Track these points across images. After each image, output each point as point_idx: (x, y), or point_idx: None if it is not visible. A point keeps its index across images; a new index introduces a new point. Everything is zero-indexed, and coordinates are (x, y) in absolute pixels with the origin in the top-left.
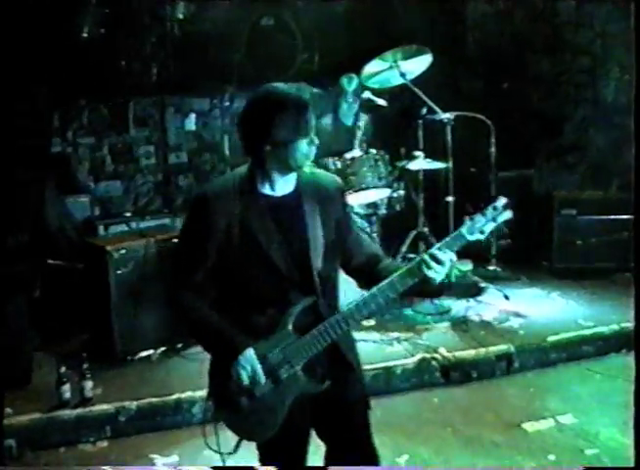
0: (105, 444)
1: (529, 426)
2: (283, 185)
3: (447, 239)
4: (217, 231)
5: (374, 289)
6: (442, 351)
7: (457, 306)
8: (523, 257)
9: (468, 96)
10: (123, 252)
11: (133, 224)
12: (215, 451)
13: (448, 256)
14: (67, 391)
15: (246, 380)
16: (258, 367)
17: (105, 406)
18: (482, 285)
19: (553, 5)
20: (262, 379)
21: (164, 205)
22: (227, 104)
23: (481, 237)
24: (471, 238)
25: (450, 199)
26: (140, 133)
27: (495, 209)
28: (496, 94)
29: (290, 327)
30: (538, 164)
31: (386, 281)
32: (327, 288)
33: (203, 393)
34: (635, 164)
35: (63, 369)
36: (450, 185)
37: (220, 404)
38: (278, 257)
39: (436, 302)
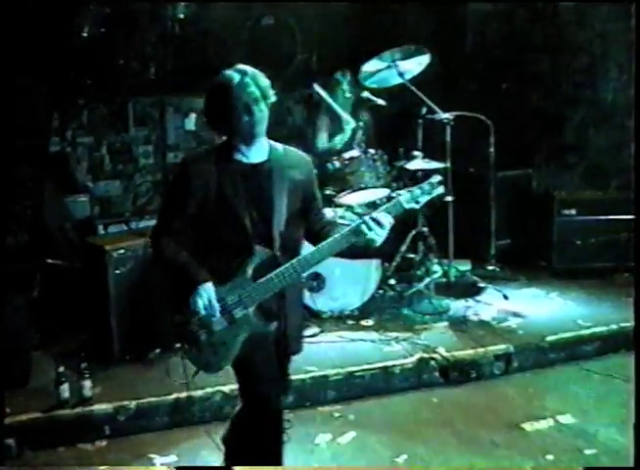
0: (104, 443)
1: (528, 426)
2: (254, 154)
3: (387, 205)
4: (194, 188)
5: (322, 243)
6: (441, 350)
7: (456, 306)
8: (522, 257)
9: (467, 96)
10: (122, 251)
11: (132, 224)
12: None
13: (388, 219)
14: (65, 390)
15: (201, 309)
16: (214, 298)
17: (104, 406)
18: (481, 285)
19: (553, 5)
20: (217, 311)
21: None
22: None
23: (416, 206)
24: (407, 206)
25: (449, 198)
26: (139, 133)
27: (431, 184)
28: (495, 94)
29: (248, 274)
30: (537, 164)
31: (332, 237)
32: (287, 246)
33: (201, 393)
34: (635, 163)
35: (61, 369)
36: (449, 185)
37: (181, 337)
38: (244, 214)
39: (435, 301)
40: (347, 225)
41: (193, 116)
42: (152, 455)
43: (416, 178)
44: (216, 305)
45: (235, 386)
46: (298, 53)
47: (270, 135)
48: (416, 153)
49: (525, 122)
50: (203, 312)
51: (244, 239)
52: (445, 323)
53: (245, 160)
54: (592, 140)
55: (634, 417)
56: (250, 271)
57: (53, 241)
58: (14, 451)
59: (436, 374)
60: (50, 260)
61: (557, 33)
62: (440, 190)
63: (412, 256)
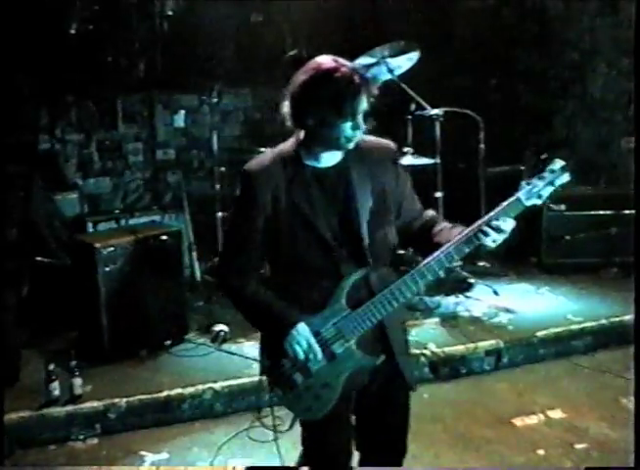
0: (95, 441)
1: (519, 421)
2: (329, 158)
3: (504, 205)
4: (264, 204)
5: (429, 259)
6: (431, 346)
7: (446, 302)
8: (511, 252)
9: (456, 92)
10: (112, 249)
11: (122, 221)
12: (271, 430)
13: (508, 224)
14: (56, 388)
15: (301, 355)
16: (313, 341)
17: (94, 404)
18: (472, 281)
19: (541, 0)
20: (319, 354)
21: (153, 201)
22: (215, 100)
23: (539, 202)
24: (528, 203)
25: (439, 194)
26: (128, 130)
27: (553, 171)
28: (485, 89)
29: (343, 301)
30: (527, 160)
31: (442, 251)
32: (379, 258)
33: (192, 390)
34: (635, 160)
35: (52, 367)
36: (439, 181)
37: (275, 382)
38: (324, 227)
39: (425, 298)
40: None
41: (182, 112)
42: (143, 453)
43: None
44: (317, 347)
45: (225, 382)
46: (288, 49)
47: (260, 133)
48: (406, 149)
49: (515, 118)
50: (302, 358)
51: (328, 257)
52: (436, 319)
53: (317, 164)
54: (581, 136)
55: (634, 417)
56: (344, 296)
57: (42, 239)
58: (4, 449)
59: (427, 370)
60: (39, 258)
61: (545, 29)
62: (566, 177)
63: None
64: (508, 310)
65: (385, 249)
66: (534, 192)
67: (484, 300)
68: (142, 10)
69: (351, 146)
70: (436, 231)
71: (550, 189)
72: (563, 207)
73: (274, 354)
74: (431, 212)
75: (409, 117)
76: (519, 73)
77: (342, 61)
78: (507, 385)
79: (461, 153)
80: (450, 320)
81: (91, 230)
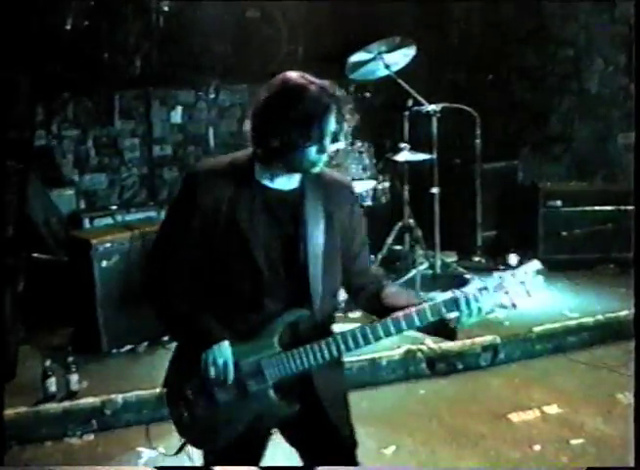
0: (91, 437)
1: (515, 416)
2: (284, 181)
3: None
4: (205, 211)
5: (377, 323)
6: (428, 342)
7: (442, 298)
8: (508, 248)
9: (453, 88)
10: (108, 245)
11: (118, 217)
12: (155, 450)
13: (487, 303)
14: (52, 384)
15: (212, 373)
16: (231, 364)
17: (91, 400)
18: (467, 276)
19: None
20: (230, 379)
21: (150, 197)
22: (212, 96)
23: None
24: (492, 298)
25: (435, 190)
26: (125, 126)
27: (526, 273)
28: (481, 86)
29: (275, 338)
30: (523, 156)
31: (391, 318)
32: (323, 302)
33: None
34: (635, 156)
35: (48, 363)
36: (435, 177)
37: (175, 401)
38: (261, 255)
39: (422, 293)
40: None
41: (179, 109)
42: (139, 449)
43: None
44: (231, 371)
45: None
46: (284, 45)
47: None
48: (402, 145)
49: (511, 114)
50: (212, 376)
51: (257, 288)
52: None
53: (271, 185)
54: (577, 132)
55: (634, 417)
56: (277, 333)
57: (38, 235)
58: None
59: (423, 366)
60: (35, 254)
61: (542, 25)
62: (539, 282)
63: (398, 247)
64: (504, 306)
65: (329, 293)
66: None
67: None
68: (138, 5)
69: (315, 170)
70: (389, 293)
71: (522, 290)
72: (559, 203)
73: (183, 371)
74: (377, 269)
75: (406, 112)
76: (515, 70)
77: (310, 78)
78: (503, 380)
79: (457, 149)
80: None
81: (87, 226)
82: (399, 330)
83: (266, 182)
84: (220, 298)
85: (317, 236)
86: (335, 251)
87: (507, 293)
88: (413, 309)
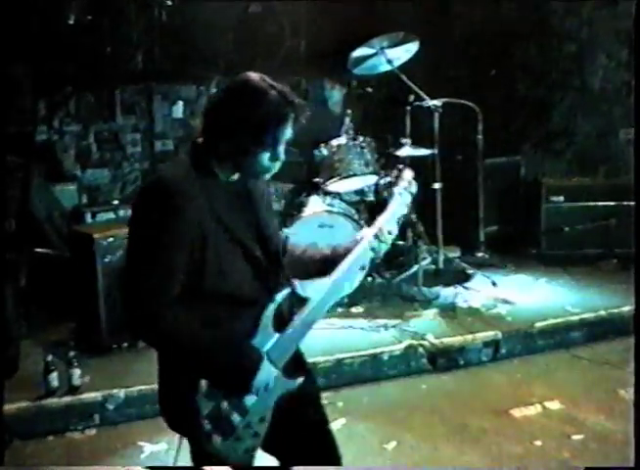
0: (93, 432)
1: (517, 412)
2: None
3: (387, 217)
4: (190, 223)
5: (335, 276)
6: (430, 337)
7: (445, 293)
8: (510, 243)
9: (455, 83)
10: (111, 240)
11: (121, 212)
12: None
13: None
14: (54, 379)
15: (263, 392)
16: (275, 373)
17: (93, 395)
18: (470, 272)
19: None
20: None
21: None
22: (214, 91)
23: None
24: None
25: (438, 186)
26: (127, 121)
27: (410, 182)
28: (483, 81)
29: (270, 325)
30: (525, 151)
31: (344, 266)
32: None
33: None
34: (635, 152)
35: (50, 358)
36: (437, 172)
37: (213, 428)
38: (251, 244)
39: (424, 288)
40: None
41: (180, 104)
42: (141, 443)
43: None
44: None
45: None
46: (287, 40)
47: None
48: (404, 140)
49: (513, 109)
50: (263, 394)
51: (261, 278)
52: (434, 310)
53: (225, 177)
54: (580, 127)
55: (634, 416)
56: (271, 319)
57: (41, 230)
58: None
59: (425, 361)
60: (38, 249)
61: (545, 20)
62: (415, 187)
63: (401, 243)
64: (506, 301)
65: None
66: (404, 202)
67: (483, 291)
68: (140, 0)
69: (267, 177)
70: (306, 248)
71: (410, 198)
72: (561, 198)
73: (208, 399)
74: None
75: (408, 107)
76: (518, 65)
77: (271, 82)
78: (505, 376)
79: (459, 144)
80: (448, 311)
81: (89, 221)
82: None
83: (224, 177)
84: (216, 303)
85: (269, 215)
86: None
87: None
88: (355, 251)
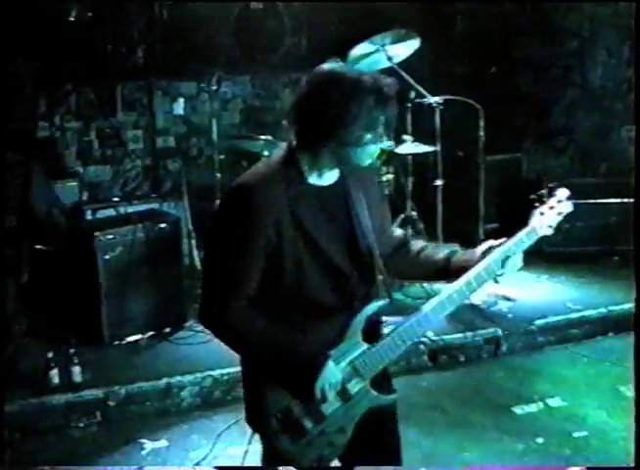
0: (94, 428)
1: (518, 409)
2: (330, 174)
3: (521, 236)
4: (267, 228)
5: (451, 290)
6: (430, 334)
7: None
8: None
9: (456, 80)
10: (111, 236)
11: (121, 209)
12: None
13: (520, 258)
14: (55, 376)
15: (330, 398)
16: (341, 381)
17: (94, 391)
18: None
19: None
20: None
21: (153, 189)
22: (215, 88)
23: (551, 232)
24: (542, 234)
25: (439, 183)
26: (128, 117)
27: (560, 201)
28: (485, 78)
29: (359, 335)
30: (526, 148)
31: (462, 281)
32: (388, 286)
33: (191, 377)
34: (636, 149)
35: (51, 354)
36: (439, 169)
37: (281, 430)
38: (337, 254)
39: (426, 285)
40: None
41: (181, 100)
42: (142, 440)
43: None
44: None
45: (225, 370)
46: (287, 37)
47: (259, 120)
48: (405, 137)
49: (515, 106)
50: (329, 399)
51: (343, 287)
52: None
53: (320, 182)
54: (581, 124)
55: (634, 416)
56: (360, 329)
57: (41, 226)
58: (4, 437)
59: (425, 358)
60: (38, 246)
61: (545, 17)
62: (570, 207)
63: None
64: (507, 298)
65: (389, 276)
66: (546, 222)
67: (484, 288)
68: None
69: (368, 163)
70: (420, 251)
71: (559, 218)
72: None
73: (277, 397)
74: (400, 231)
75: (409, 104)
76: (519, 61)
77: (353, 69)
78: (506, 373)
79: (461, 141)
80: None
81: (90, 218)
82: (468, 290)
83: (315, 181)
84: (296, 309)
85: (368, 224)
86: (377, 232)
87: (550, 227)
88: (479, 268)
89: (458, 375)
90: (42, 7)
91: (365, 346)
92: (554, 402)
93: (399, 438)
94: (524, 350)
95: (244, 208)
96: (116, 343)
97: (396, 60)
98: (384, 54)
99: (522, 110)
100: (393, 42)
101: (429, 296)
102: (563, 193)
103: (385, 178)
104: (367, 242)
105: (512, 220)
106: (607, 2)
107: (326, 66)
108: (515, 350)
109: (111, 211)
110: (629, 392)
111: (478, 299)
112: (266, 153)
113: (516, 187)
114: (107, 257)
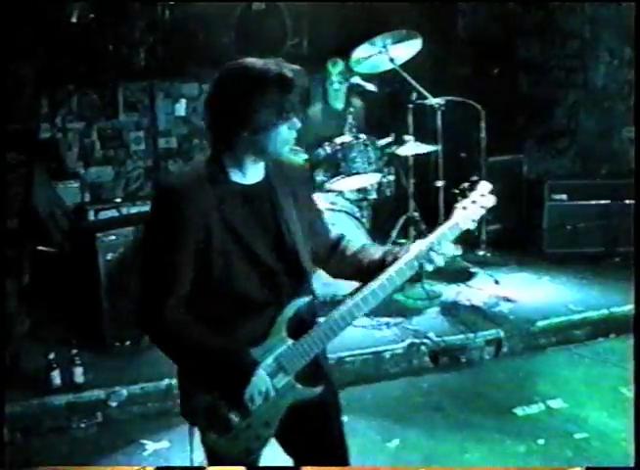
0: (96, 429)
1: (519, 410)
2: (254, 172)
3: (444, 230)
4: (195, 226)
5: (373, 285)
6: (432, 335)
7: (447, 291)
8: (512, 241)
9: (458, 81)
10: (113, 237)
11: (123, 210)
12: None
13: (449, 248)
14: (57, 377)
15: (258, 402)
16: (271, 387)
17: (95, 392)
18: (472, 270)
19: None
20: (272, 395)
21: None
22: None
23: (474, 226)
24: (464, 228)
25: (440, 184)
26: (130, 118)
27: (483, 195)
28: (486, 79)
29: (284, 331)
30: (528, 149)
31: (384, 276)
32: (311, 284)
33: None
34: (636, 151)
35: (52, 355)
36: (440, 170)
37: (208, 426)
38: (265, 252)
39: (427, 286)
40: (371, 244)
41: (183, 101)
42: (144, 441)
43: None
44: (272, 389)
45: None
46: (289, 38)
47: None
48: (407, 138)
49: (516, 107)
50: (258, 403)
51: (270, 284)
52: (436, 308)
53: (244, 180)
54: (583, 125)
55: (634, 417)
56: (284, 326)
57: (43, 227)
58: (5, 438)
59: (427, 359)
60: (41, 247)
61: (547, 18)
62: (492, 200)
63: (403, 241)
64: (509, 300)
65: (312, 274)
66: (469, 216)
67: (485, 289)
68: None
69: (287, 150)
70: (358, 252)
71: (482, 212)
72: (564, 196)
73: (205, 394)
74: (336, 231)
75: (410, 106)
76: (520, 63)
77: (258, 59)
78: (507, 374)
79: (462, 142)
80: (451, 309)
81: (92, 219)
82: (391, 287)
83: (239, 179)
84: (225, 307)
85: (295, 222)
86: (306, 230)
87: (474, 220)
88: (400, 263)
89: (459, 376)
90: (44, 8)
91: (290, 342)
92: (555, 404)
93: (341, 428)
94: (525, 351)
95: (170, 209)
96: (118, 344)
97: (398, 61)
98: (386, 55)
99: (523, 111)
100: (395, 43)
101: (429, 297)
102: (485, 187)
103: (386, 179)
104: (293, 239)
105: (514, 221)
106: (608, 3)
107: (228, 63)
108: (516, 351)
109: (113, 212)
110: (631, 393)
111: (479, 300)
112: None
113: (518, 188)
114: (109, 257)
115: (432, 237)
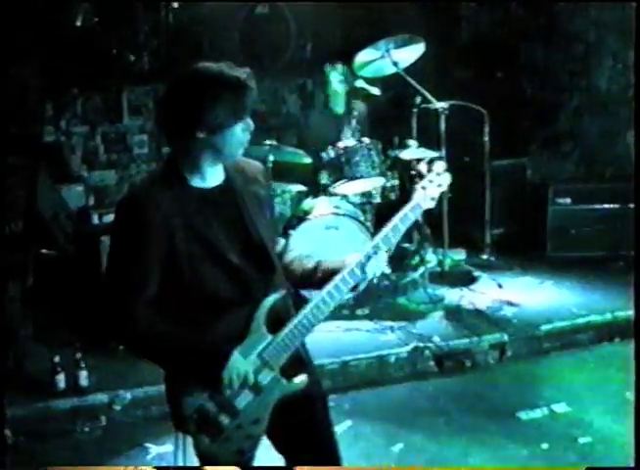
0: (100, 433)
1: (523, 414)
2: (214, 175)
3: (407, 210)
4: (158, 234)
5: (341, 274)
6: (436, 339)
7: (451, 295)
8: (516, 245)
9: (461, 85)
10: None
11: None
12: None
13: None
14: (61, 380)
15: (237, 387)
16: (250, 370)
17: (99, 396)
18: (476, 274)
19: None
20: (252, 382)
21: None
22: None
23: (434, 204)
24: (425, 207)
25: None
26: (134, 122)
27: (439, 174)
28: (490, 82)
29: (264, 327)
30: (532, 153)
31: (352, 264)
32: (283, 278)
33: None
34: (635, 154)
35: (57, 359)
36: None
37: (199, 430)
38: (232, 253)
39: (430, 290)
40: None
41: None
42: (147, 445)
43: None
44: (252, 375)
45: None
46: (293, 42)
47: (264, 125)
48: (410, 142)
49: (520, 111)
50: (237, 389)
51: (240, 284)
52: (440, 312)
53: (204, 184)
54: (586, 129)
55: (634, 417)
56: (263, 322)
57: (47, 230)
58: (9, 441)
59: (431, 363)
60: (44, 250)
61: (551, 21)
62: (448, 178)
63: (407, 245)
64: (512, 304)
65: (280, 268)
66: (428, 195)
67: (489, 293)
68: (147, 2)
69: (241, 152)
70: (297, 260)
71: (440, 190)
72: (568, 200)
73: (192, 398)
74: (281, 239)
75: (414, 110)
76: (524, 66)
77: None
78: (511, 378)
79: (466, 146)
80: (454, 313)
81: (96, 222)
82: (352, 277)
83: (199, 183)
84: (196, 308)
85: (262, 219)
86: (270, 229)
87: (433, 199)
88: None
89: (463, 380)
90: (48, 12)
91: (270, 337)
92: (559, 408)
93: (329, 418)
94: (529, 355)
95: (128, 216)
96: (122, 347)
97: (402, 65)
98: (389, 59)
99: (527, 114)
100: (398, 47)
101: (432, 301)
102: (440, 166)
103: (390, 183)
104: (260, 236)
105: (517, 225)
106: (612, 7)
107: (184, 69)
108: (520, 355)
109: None
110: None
111: (483, 304)
112: (271, 158)
113: (521, 192)
114: None
115: (395, 219)
